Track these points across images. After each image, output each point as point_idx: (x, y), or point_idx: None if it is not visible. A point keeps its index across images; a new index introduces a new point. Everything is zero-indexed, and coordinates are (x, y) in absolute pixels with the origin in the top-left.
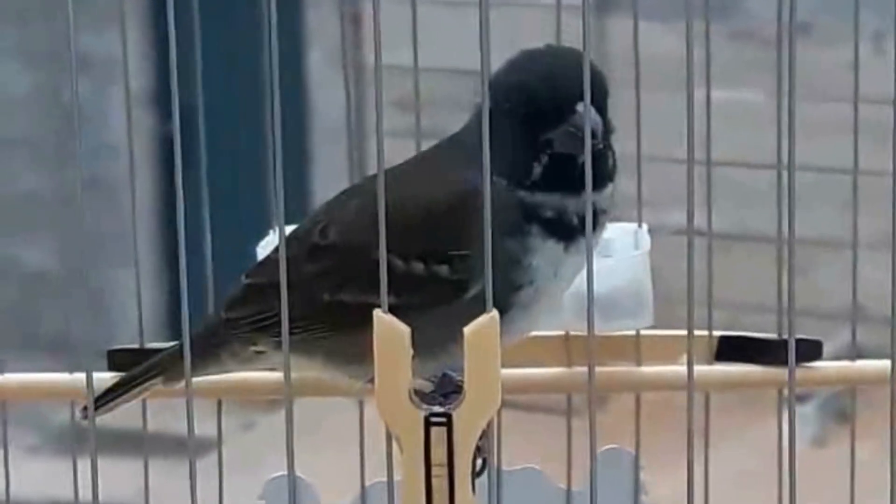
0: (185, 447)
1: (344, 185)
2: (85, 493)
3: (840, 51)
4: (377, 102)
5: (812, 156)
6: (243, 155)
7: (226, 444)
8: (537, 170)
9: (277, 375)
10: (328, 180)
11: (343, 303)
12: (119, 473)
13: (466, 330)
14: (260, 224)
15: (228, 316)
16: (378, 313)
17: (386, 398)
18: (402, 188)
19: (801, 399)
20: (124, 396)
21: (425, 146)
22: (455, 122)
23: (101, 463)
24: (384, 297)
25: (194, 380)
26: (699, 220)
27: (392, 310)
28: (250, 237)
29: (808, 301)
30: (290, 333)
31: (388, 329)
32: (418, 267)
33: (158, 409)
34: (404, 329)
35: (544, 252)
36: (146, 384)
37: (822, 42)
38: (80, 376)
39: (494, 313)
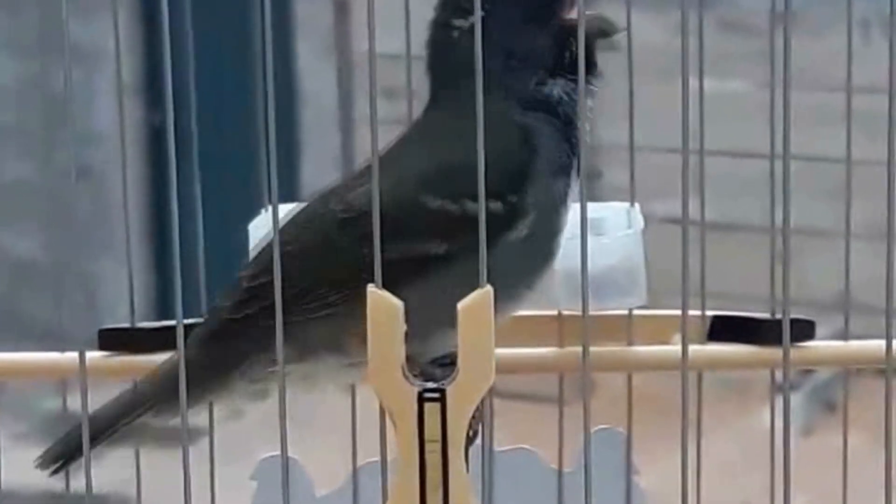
0: (174, 436)
1: (332, 170)
2: (75, 481)
3: (828, 39)
4: (371, 88)
5: (799, 145)
6: (233, 139)
7: (215, 433)
8: (566, 58)
9: None
10: (317, 166)
11: (390, 260)
12: (108, 461)
13: (460, 305)
14: (250, 205)
15: (246, 313)
16: (370, 288)
17: (379, 374)
18: (435, 144)
19: (792, 388)
20: (113, 436)
21: None
22: None
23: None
24: (378, 274)
25: None
26: (690, 209)
27: (441, 260)
28: (241, 219)
29: (796, 289)
30: (328, 305)
31: (381, 303)
32: (471, 206)
33: None
34: (397, 303)
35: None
36: (137, 420)
37: (811, 31)
38: (71, 355)
39: (488, 288)
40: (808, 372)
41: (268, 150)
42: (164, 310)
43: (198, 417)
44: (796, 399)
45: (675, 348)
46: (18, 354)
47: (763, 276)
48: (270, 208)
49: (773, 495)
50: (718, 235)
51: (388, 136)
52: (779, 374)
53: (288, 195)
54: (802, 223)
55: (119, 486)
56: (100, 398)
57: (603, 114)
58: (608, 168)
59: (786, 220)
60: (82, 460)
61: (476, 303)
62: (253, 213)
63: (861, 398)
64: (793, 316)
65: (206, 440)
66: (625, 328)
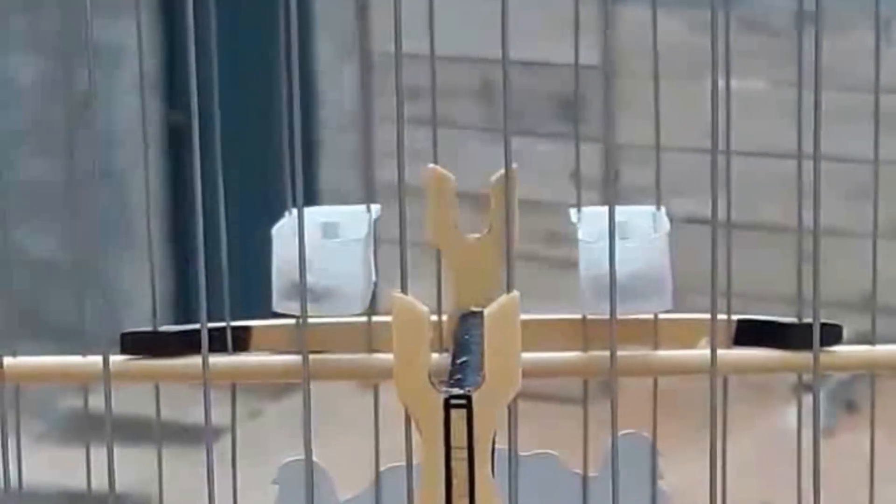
0: (191, 435)
1: (351, 170)
2: (95, 480)
3: (847, 38)
4: (397, 89)
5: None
6: (256, 140)
7: (229, 433)
8: None
9: (294, 358)
10: (335, 166)
11: None
12: (128, 461)
13: (486, 311)
14: (273, 207)
15: None
16: (395, 293)
17: (405, 381)
18: None
19: (811, 388)
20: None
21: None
22: (454, 110)
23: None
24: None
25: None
26: (708, 207)
27: None
28: (264, 221)
29: (823, 290)
30: None
31: (407, 310)
32: None
33: (165, 397)
34: (422, 309)
35: None
36: None
37: (831, 30)
38: (94, 359)
39: (515, 294)
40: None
41: (293, 155)
42: (183, 311)
43: (217, 417)
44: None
45: (702, 353)
46: (41, 358)
47: (780, 275)
48: (294, 211)
49: (800, 496)
50: (736, 235)
51: (410, 136)
52: (806, 377)
53: (307, 196)
54: (826, 224)
55: (138, 485)
56: (121, 400)
57: (622, 113)
58: (626, 167)
59: (816, 223)
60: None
61: (502, 309)
62: (276, 215)
63: (880, 397)
64: (821, 321)
65: (222, 439)
66: (650, 332)
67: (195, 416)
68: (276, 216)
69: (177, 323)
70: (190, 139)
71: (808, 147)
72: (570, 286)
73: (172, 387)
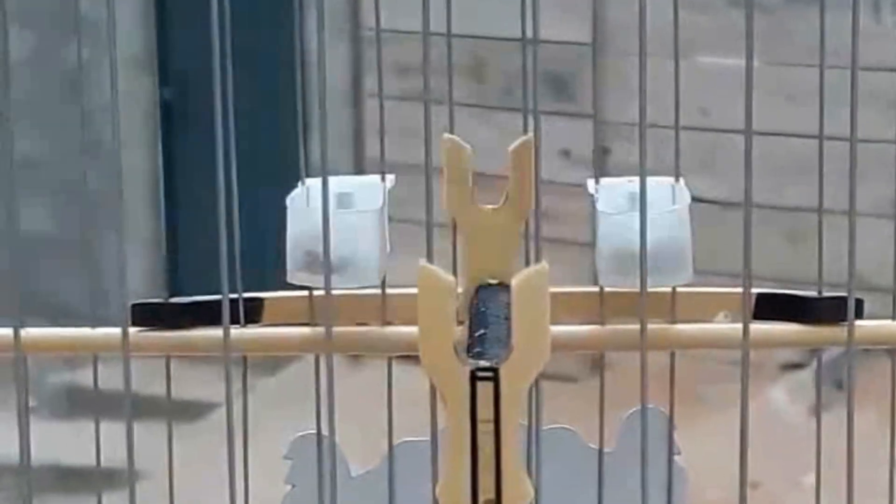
0: (185, 411)
1: (341, 147)
2: (85, 456)
3: (838, 17)
4: (424, 64)
5: (809, 123)
6: (260, 111)
7: (223, 408)
8: None
9: (311, 330)
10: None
11: None
12: (118, 436)
13: (514, 282)
14: (285, 178)
15: None
16: (422, 263)
17: (431, 353)
18: None
19: (800, 366)
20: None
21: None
22: (445, 87)
23: (107, 426)
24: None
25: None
26: (701, 186)
27: None
28: (270, 193)
29: (810, 267)
30: None
31: (433, 281)
32: None
33: (156, 372)
34: (449, 280)
35: None
36: None
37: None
38: (103, 331)
39: (544, 264)
40: (816, 350)
41: (323, 124)
42: (175, 284)
43: (210, 392)
44: (805, 377)
45: (727, 326)
46: (50, 329)
47: (774, 255)
48: (308, 182)
49: (818, 476)
50: (729, 214)
51: (400, 113)
52: (788, 354)
53: (295, 172)
54: (811, 202)
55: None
56: (113, 375)
57: (614, 91)
58: (619, 144)
59: (852, 204)
60: None
61: (531, 280)
62: (279, 186)
63: (871, 374)
64: (841, 294)
65: (212, 415)
66: (667, 305)
67: (187, 391)
68: (278, 187)
69: (171, 295)
70: (180, 115)
71: (800, 125)
72: (563, 261)
73: (159, 361)
